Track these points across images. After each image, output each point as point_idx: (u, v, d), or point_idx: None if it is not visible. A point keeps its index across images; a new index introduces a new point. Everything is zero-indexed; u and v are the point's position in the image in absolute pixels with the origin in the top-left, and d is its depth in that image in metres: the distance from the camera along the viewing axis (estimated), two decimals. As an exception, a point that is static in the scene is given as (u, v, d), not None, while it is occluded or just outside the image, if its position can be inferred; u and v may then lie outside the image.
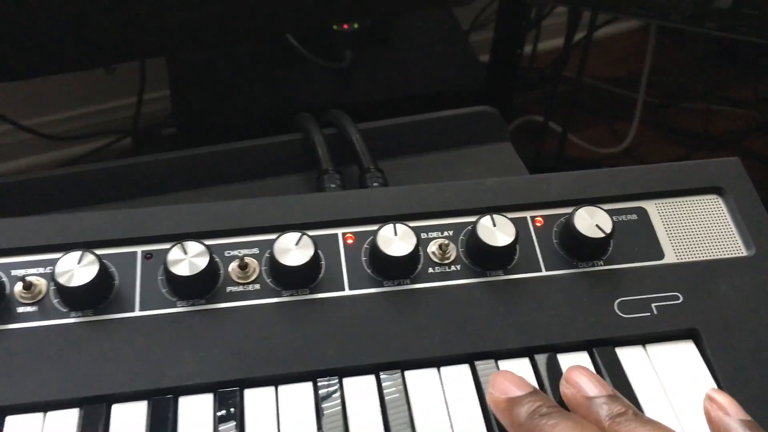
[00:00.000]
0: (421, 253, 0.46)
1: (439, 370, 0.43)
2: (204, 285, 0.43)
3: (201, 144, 0.61)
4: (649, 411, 0.41)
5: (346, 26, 1.11)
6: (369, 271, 0.45)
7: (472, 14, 1.48)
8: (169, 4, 0.69)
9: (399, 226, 0.44)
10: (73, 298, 0.42)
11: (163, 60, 1.25)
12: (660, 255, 0.46)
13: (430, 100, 1.13)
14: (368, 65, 1.14)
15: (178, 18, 0.71)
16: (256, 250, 0.45)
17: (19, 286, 0.42)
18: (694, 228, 0.47)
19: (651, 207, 0.48)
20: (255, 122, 1.08)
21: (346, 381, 0.42)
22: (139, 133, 1.36)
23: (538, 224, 0.47)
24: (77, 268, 0.41)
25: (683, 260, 0.46)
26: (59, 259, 0.42)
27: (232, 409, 0.40)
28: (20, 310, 0.42)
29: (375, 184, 0.55)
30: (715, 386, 0.42)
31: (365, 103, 1.10)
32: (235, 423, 0.40)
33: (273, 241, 0.44)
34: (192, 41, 0.80)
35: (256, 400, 0.41)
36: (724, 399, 0.37)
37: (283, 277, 0.44)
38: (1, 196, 0.58)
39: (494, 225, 0.45)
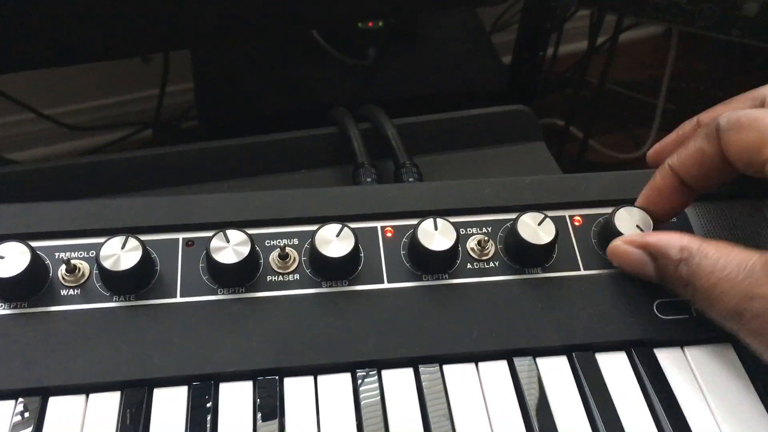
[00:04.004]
0: (460, 248, 0.46)
1: (477, 365, 0.43)
2: (245, 273, 0.44)
3: (223, 138, 0.61)
4: (688, 412, 0.41)
5: (370, 24, 1.11)
6: (408, 264, 0.45)
7: (495, 15, 1.48)
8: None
9: (439, 220, 0.45)
10: (116, 282, 0.42)
11: (184, 53, 1.26)
12: (699, 257, 0.46)
13: (452, 100, 1.14)
14: (391, 64, 1.14)
15: (207, 11, 0.71)
16: (296, 241, 0.45)
17: (62, 269, 0.43)
18: (734, 232, 0.47)
19: (690, 209, 0.48)
20: (277, 118, 1.09)
21: (384, 373, 0.42)
22: (159, 126, 1.37)
23: (577, 223, 0.47)
24: (121, 253, 0.42)
25: (722, 263, 0.46)
26: (103, 243, 0.42)
27: (271, 397, 0.40)
28: (63, 292, 0.42)
29: (411, 179, 0.55)
30: (753, 390, 0.42)
31: (387, 101, 1.10)
32: (274, 411, 0.40)
33: (313, 232, 0.44)
34: (220, 35, 0.80)
35: (296, 388, 0.41)
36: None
37: (323, 267, 0.44)
38: (23, 183, 0.59)
39: (534, 223, 0.45)
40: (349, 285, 0.44)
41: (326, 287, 0.44)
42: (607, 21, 1.14)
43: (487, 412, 0.41)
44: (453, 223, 0.45)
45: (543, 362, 0.43)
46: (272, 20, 0.76)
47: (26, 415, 0.39)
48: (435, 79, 1.15)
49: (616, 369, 0.42)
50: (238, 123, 1.09)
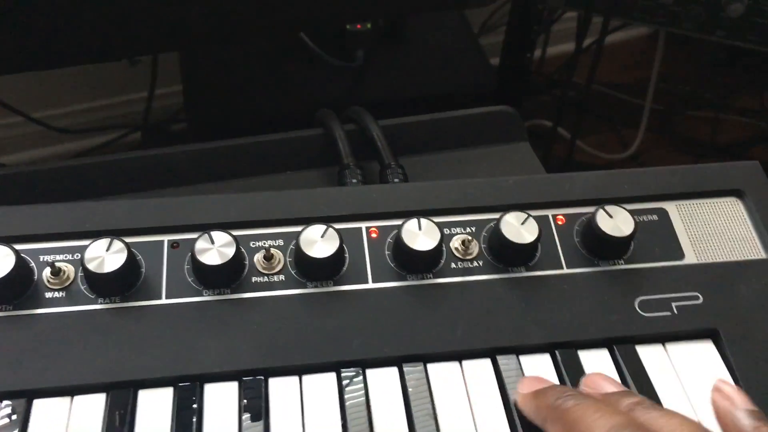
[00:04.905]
0: (444, 248, 0.46)
1: (461, 364, 0.43)
2: (230, 274, 0.44)
3: (211, 140, 0.61)
4: (669, 407, 0.41)
5: (359, 26, 1.12)
6: (393, 264, 0.46)
7: (482, 17, 1.48)
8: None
9: (423, 220, 0.45)
10: (101, 284, 0.42)
11: (173, 56, 1.26)
12: (680, 255, 0.47)
13: (441, 102, 1.14)
14: (380, 65, 1.14)
15: (194, 12, 0.71)
16: (281, 242, 0.46)
17: (47, 272, 0.43)
18: (714, 230, 0.48)
19: (672, 208, 0.49)
20: (266, 120, 1.09)
21: (369, 372, 0.42)
22: (148, 128, 1.36)
23: (560, 222, 0.48)
24: (106, 255, 0.42)
25: (703, 261, 0.47)
26: (88, 245, 0.42)
27: (256, 398, 0.41)
28: (48, 295, 0.42)
29: (396, 180, 0.55)
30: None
31: (376, 102, 1.10)
32: (259, 411, 0.40)
33: (298, 233, 0.44)
34: (207, 36, 0.80)
35: (281, 389, 0.41)
36: (731, 390, 0.38)
37: (308, 268, 0.44)
38: (11, 186, 0.59)
39: (517, 222, 0.45)
40: (334, 285, 0.45)
41: (311, 288, 0.44)
42: (594, 22, 1.15)
43: (472, 410, 0.41)
44: (437, 223, 0.45)
45: (526, 360, 0.43)
46: (260, 21, 0.77)
47: (11, 417, 0.39)
48: (423, 81, 1.15)
49: (598, 366, 0.43)
50: (228, 125, 1.09)
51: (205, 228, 0.44)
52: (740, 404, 0.37)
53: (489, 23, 1.49)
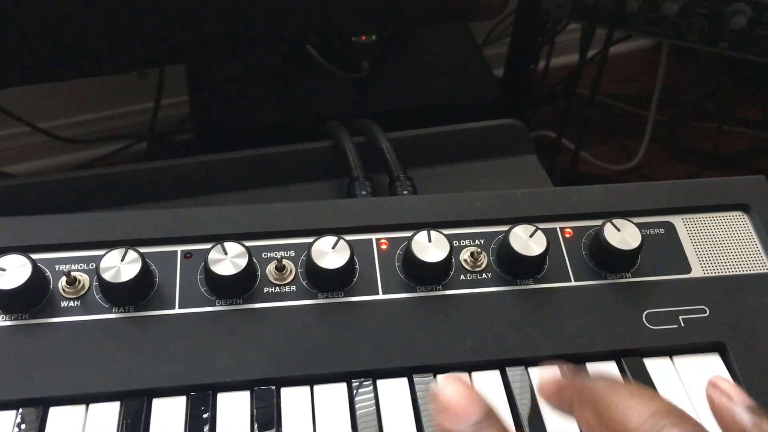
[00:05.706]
0: (453, 260, 0.47)
1: (470, 375, 0.44)
2: (242, 285, 0.44)
3: (217, 151, 0.62)
4: (677, 420, 0.41)
5: (363, 37, 1.12)
6: (402, 276, 0.46)
7: (486, 28, 1.49)
8: (196, 14, 0.70)
9: (433, 232, 0.46)
10: (115, 294, 0.43)
11: (179, 66, 1.27)
12: (687, 269, 0.47)
13: (445, 113, 1.15)
14: (385, 76, 1.15)
15: (203, 27, 0.72)
16: (292, 253, 0.46)
17: (63, 281, 0.43)
18: (721, 243, 0.48)
19: (678, 221, 0.49)
20: (271, 130, 1.10)
21: (379, 382, 0.43)
22: (154, 138, 1.37)
23: (568, 235, 0.48)
24: (121, 265, 0.42)
25: (710, 275, 0.47)
26: (103, 255, 0.43)
27: (268, 407, 0.41)
28: (64, 304, 0.43)
29: (405, 192, 0.56)
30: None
31: (380, 113, 1.11)
32: (271, 420, 0.40)
33: (310, 244, 0.45)
34: (216, 50, 0.81)
35: (292, 398, 0.42)
36: (728, 386, 0.38)
37: (319, 279, 0.45)
38: (19, 196, 0.59)
39: (526, 235, 0.46)
40: (345, 296, 0.45)
41: (322, 298, 0.45)
42: (598, 34, 1.16)
43: (481, 420, 0.41)
44: (446, 235, 0.46)
45: (535, 372, 0.44)
46: (267, 35, 0.77)
47: (27, 425, 0.39)
48: (427, 92, 1.16)
49: (606, 378, 0.43)
50: (233, 136, 1.09)
51: (219, 239, 0.45)
52: (738, 400, 0.37)
53: (493, 35, 1.50)
